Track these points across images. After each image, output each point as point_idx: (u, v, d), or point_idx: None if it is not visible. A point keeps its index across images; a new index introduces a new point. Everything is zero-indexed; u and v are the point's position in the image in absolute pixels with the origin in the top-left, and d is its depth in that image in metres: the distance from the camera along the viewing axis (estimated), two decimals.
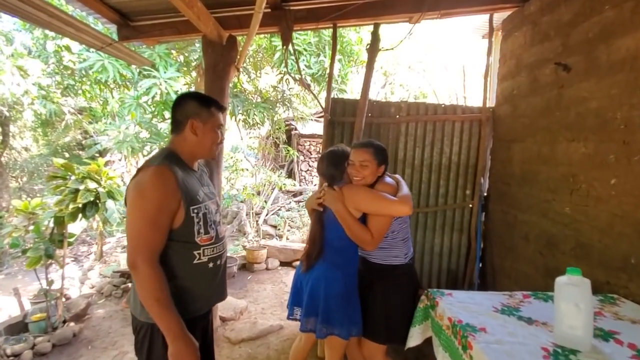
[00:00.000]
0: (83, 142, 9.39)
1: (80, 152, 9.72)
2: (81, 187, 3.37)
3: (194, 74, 5.43)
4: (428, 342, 1.66)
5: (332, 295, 1.69)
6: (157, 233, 1.20)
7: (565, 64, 2.14)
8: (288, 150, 7.44)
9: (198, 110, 1.34)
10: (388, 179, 1.82)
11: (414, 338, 1.71)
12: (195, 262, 1.31)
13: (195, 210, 1.29)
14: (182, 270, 1.29)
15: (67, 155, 9.84)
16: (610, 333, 1.31)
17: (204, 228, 1.32)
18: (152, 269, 1.17)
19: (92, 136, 8.07)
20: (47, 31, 5.92)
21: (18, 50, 6.85)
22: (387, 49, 2.82)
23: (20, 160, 11.04)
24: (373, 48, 2.77)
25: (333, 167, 1.79)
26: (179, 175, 1.25)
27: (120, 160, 8.45)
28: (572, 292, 1.22)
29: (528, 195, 2.48)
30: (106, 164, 8.26)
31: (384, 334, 1.77)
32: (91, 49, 4.32)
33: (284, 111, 6.68)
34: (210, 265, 1.36)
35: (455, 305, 1.51)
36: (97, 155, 6.96)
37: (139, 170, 1.27)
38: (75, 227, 4.29)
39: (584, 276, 1.24)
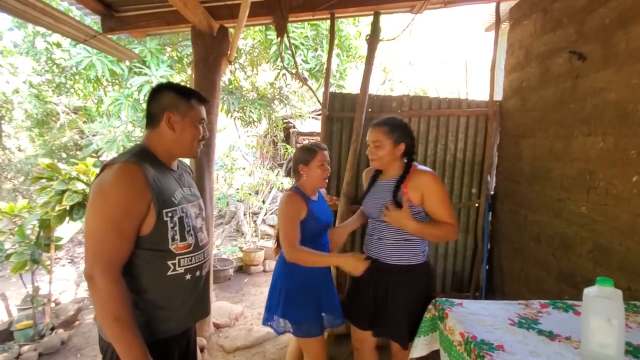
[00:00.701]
0: (80, 142, 9.22)
1: (78, 153, 9.56)
2: (68, 189, 3.21)
3: (189, 71, 5.28)
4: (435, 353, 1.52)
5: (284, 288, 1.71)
6: (120, 240, 1.03)
7: (580, 52, 1.99)
8: (287, 149, 7.28)
9: (175, 102, 1.18)
10: (420, 167, 1.67)
11: (419, 349, 1.56)
12: (169, 273, 1.14)
13: (169, 214, 1.12)
14: (153, 283, 1.12)
15: (64, 155, 9.66)
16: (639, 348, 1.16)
17: (180, 234, 1.15)
18: (112, 283, 1.00)
19: (87, 136, 7.90)
20: (37, 28, 5.76)
21: (7, 47, 6.69)
22: (388, 39, 2.66)
23: (15, 161, 10.87)
24: (373, 39, 2.61)
25: (295, 162, 1.75)
26: (150, 174, 1.09)
27: None
28: (604, 305, 1.07)
29: (539, 194, 2.33)
30: (101, 164, 8.10)
31: (407, 338, 1.63)
32: (80, 45, 4.16)
33: (282, 109, 6.52)
34: (188, 277, 1.19)
35: (467, 317, 1.36)
36: (93, 155, 6.80)
37: (102, 168, 1.10)
38: (69, 229, 4.14)
39: (605, 282, 1.09)
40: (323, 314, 1.76)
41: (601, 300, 1.08)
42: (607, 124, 1.80)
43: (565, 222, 2.09)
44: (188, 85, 1.31)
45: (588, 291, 1.11)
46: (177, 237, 1.14)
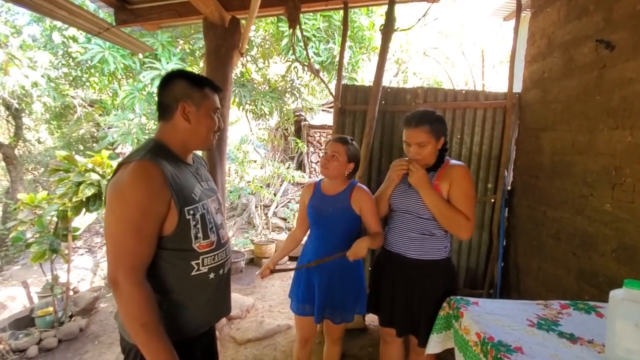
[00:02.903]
0: (96, 134, 9.41)
1: (94, 145, 9.76)
2: (84, 180, 3.27)
3: (201, 64, 5.28)
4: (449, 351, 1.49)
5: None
6: (143, 243, 1.00)
7: (608, 41, 1.88)
8: (297, 143, 7.26)
9: (189, 91, 1.12)
10: (454, 162, 1.66)
11: (432, 346, 1.54)
12: (193, 273, 1.11)
13: (191, 212, 1.08)
14: (177, 284, 1.10)
15: (81, 147, 9.89)
16: None
17: (203, 232, 1.11)
18: (137, 287, 0.97)
19: (103, 129, 8.05)
20: (54, 22, 5.85)
21: (26, 42, 6.82)
22: (402, 30, 2.58)
23: (35, 153, 11.18)
24: (388, 29, 2.54)
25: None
26: (168, 171, 1.04)
27: None
28: (631, 309, 1.01)
29: (560, 190, 2.24)
30: (118, 156, 8.26)
31: (427, 335, 1.59)
32: (93, 40, 4.20)
33: (293, 102, 6.48)
34: (211, 276, 1.16)
35: (484, 317, 1.32)
36: (109, 147, 6.92)
37: (118, 167, 1.05)
38: (84, 220, 4.23)
39: (633, 284, 1.03)
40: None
41: (629, 304, 1.02)
42: (637, 116, 1.70)
43: (587, 219, 2.00)
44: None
45: (614, 293, 1.06)
46: (200, 235, 1.10)
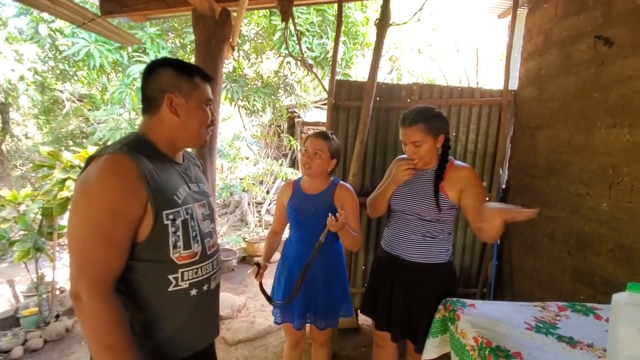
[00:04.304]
0: (86, 130, 9.20)
1: (84, 141, 9.55)
2: (69, 177, 3.17)
3: (192, 59, 5.17)
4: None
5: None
6: (111, 251, 0.85)
7: (606, 37, 1.85)
8: (290, 140, 7.19)
9: (176, 81, 0.99)
10: (458, 162, 1.60)
11: (428, 351, 1.49)
12: (170, 289, 0.96)
13: (171, 216, 0.93)
14: (152, 301, 0.95)
15: (70, 143, 9.67)
16: None
17: (184, 240, 0.96)
18: (102, 304, 0.83)
19: (93, 124, 7.88)
20: (41, 14, 5.68)
21: (12, 34, 6.62)
22: (398, 24, 2.52)
23: (23, 149, 10.92)
24: (383, 24, 2.48)
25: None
26: (146, 167, 0.90)
27: None
28: (635, 314, 0.97)
29: (555, 189, 2.22)
30: None
31: (424, 340, 1.55)
32: (79, 34, 4.07)
33: (287, 98, 6.40)
34: (193, 292, 1.00)
35: (480, 320, 1.28)
36: (99, 143, 6.77)
37: (89, 161, 0.91)
38: None
39: (625, 283, 1.00)
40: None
41: (632, 309, 0.98)
42: (636, 114, 1.67)
43: (583, 218, 1.98)
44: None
45: (617, 298, 1.02)
46: (180, 244, 0.96)
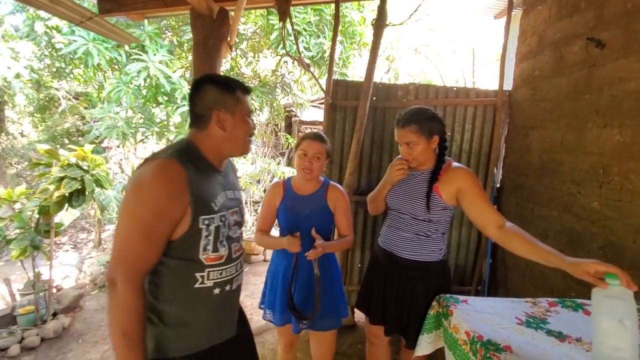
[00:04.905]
0: (82, 128, 9.16)
1: (80, 139, 9.51)
2: (66, 175, 3.17)
3: (190, 57, 5.16)
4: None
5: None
6: (150, 247, 0.94)
7: (598, 39, 1.89)
8: (287, 139, 7.20)
9: (221, 97, 1.08)
10: (455, 164, 1.61)
11: (422, 347, 1.52)
12: (196, 286, 1.04)
13: (206, 222, 1.02)
14: (177, 295, 1.03)
15: (66, 141, 9.63)
16: None
17: (213, 244, 1.05)
18: (133, 294, 0.91)
19: (89, 122, 7.84)
20: (38, 11, 5.64)
21: (8, 32, 6.58)
22: (394, 25, 2.55)
23: (18, 147, 10.85)
24: (379, 24, 2.50)
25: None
26: (192, 174, 0.99)
27: (118, 147, 8.24)
28: (614, 306, 1.01)
29: (548, 188, 2.26)
30: (104, 150, 8.07)
31: (416, 337, 1.57)
32: (77, 31, 4.06)
33: (284, 97, 6.42)
34: (216, 291, 1.08)
35: (473, 315, 1.31)
36: (95, 141, 6.74)
37: (143, 162, 1.01)
38: (69, 215, 4.12)
39: (614, 279, 1.03)
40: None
41: (611, 301, 1.02)
42: (626, 115, 1.71)
43: (575, 217, 2.02)
44: (230, 76, 1.21)
45: (596, 291, 1.05)
46: (210, 247, 1.04)
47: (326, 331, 1.76)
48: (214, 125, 1.07)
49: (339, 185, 1.78)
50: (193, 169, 1.01)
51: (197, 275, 1.04)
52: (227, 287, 1.12)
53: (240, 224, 1.20)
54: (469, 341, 1.20)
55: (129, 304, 0.91)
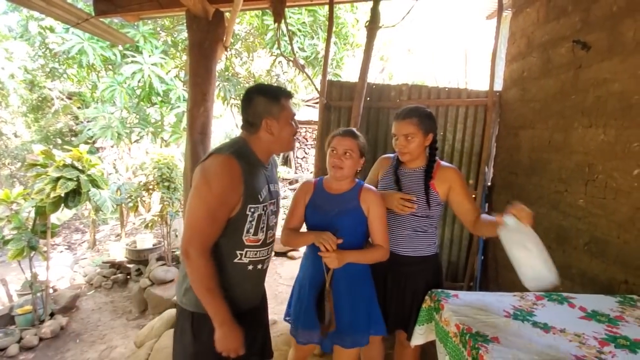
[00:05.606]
0: (74, 128, 9.10)
1: (73, 139, 9.45)
2: (62, 176, 3.18)
3: (184, 57, 5.17)
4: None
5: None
6: (214, 225, 1.18)
7: (584, 42, 1.95)
8: None
9: (269, 107, 1.28)
10: (443, 163, 1.70)
11: (415, 338, 1.58)
12: (235, 261, 1.27)
13: (252, 209, 1.24)
14: (223, 265, 1.26)
15: (59, 141, 9.55)
16: (637, 343, 1.16)
17: (255, 229, 1.26)
18: (204, 260, 1.16)
19: (82, 122, 7.80)
20: (31, 12, 5.61)
21: (2, 32, 6.53)
22: (388, 26, 2.60)
23: (11, 147, 10.73)
24: (373, 26, 2.55)
25: None
26: (245, 170, 1.21)
27: (112, 146, 8.21)
28: (515, 237, 1.28)
29: (537, 186, 2.32)
30: (98, 150, 8.03)
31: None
32: (71, 31, 4.06)
33: None
34: (250, 267, 1.31)
35: (463, 309, 1.36)
36: (89, 141, 6.71)
37: (208, 156, 1.23)
38: (62, 215, 4.12)
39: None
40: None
41: (511, 234, 1.29)
42: (610, 115, 1.78)
43: (562, 214, 2.08)
44: (273, 85, 1.46)
45: (500, 230, 1.33)
46: (252, 230, 1.25)
47: (349, 349, 1.56)
48: (264, 132, 1.28)
49: (372, 188, 1.61)
50: (246, 165, 1.22)
51: (238, 252, 1.26)
52: (259, 266, 1.35)
53: (276, 213, 1.41)
54: (459, 333, 1.25)
55: (203, 268, 1.16)
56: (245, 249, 1.27)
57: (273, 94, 1.30)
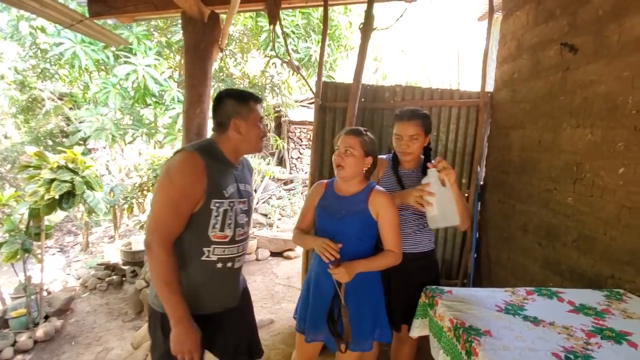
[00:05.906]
0: (66, 129, 9.00)
1: (64, 140, 9.34)
2: (56, 178, 3.17)
3: (177, 58, 5.16)
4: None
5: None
6: (176, 218, 1.22)
7: (571, 44, 2.01)
8: (276, 140, 7.25)
9: (238, 108, 1.34)
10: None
11: (412, 330, 1.63)
12: (202, 258, 1.29)
13: (216, 204, 1.27)
14: (188, 262, 1.28)
15: (50, 142, 9.43)
16: (622, 334, 1.22)
17: (221, 224, 1.29)
18: (165, 253, 1.19)
19: (73, 123, 7.72)
20: (21, 11, 5.55)
21: None
22: (381, 29, 2.64)
23: (1, 149, 10.57)
24: (367, 28, 2.59)
25: None
26: (209, 164, 1.26)
27: (104, 148, 8.14)
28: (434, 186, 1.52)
29: (527, 185, 2.38)
30: (90, 151, 7.95)
31: None
32: (63, 33, 4.03)
33: (273, 98, 6.47)
34: (219, 265, 1.32)
35: (456, 304, 1.41)
36: (81, 143, 6.65)
37: (175, 153, 1.29)
38: (54, 218, 4.09)
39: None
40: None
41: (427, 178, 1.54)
42: (596, 116, 1.84)
43: (551, 212, 2.14)
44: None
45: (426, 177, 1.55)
46: (218, 226, 1.28)
47: (352, 352, 1.53)
48: (232, 131, 1.33)
49: (383, 190, 1.57)
50: (210, 160, 1.27)
51: (204, 249, 1.28)
52: (229, 264, 1.35)
53: (247, 212, 1.42)
54: (453, 328, 1.29)
55: (164, 260, 1.19)
56: (213, 246, 1.29)
57: (242, 97, 1.37)
